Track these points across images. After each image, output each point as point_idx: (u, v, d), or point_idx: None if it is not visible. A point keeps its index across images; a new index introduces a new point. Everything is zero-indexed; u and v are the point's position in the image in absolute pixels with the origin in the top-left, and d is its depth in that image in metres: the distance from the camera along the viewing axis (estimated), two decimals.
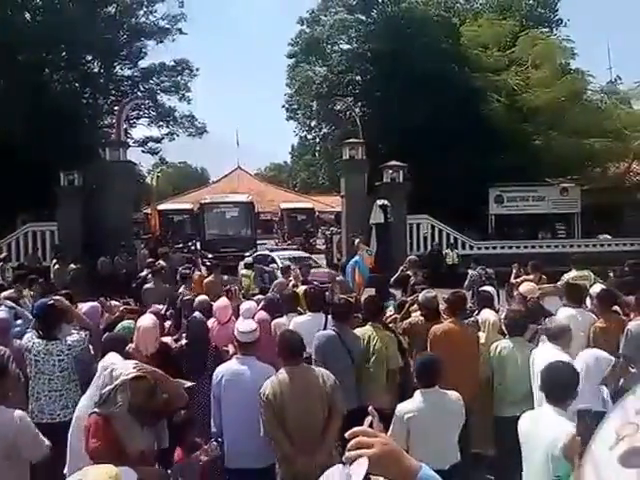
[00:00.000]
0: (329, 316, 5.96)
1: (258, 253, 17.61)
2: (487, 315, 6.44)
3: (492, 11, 26.53)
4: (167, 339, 4.84)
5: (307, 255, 17.35)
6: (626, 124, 20.85)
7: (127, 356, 4.11)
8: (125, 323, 5.57)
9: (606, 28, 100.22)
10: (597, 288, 6.78)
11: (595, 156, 21.09)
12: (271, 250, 18.70)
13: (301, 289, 7.46)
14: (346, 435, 1.34)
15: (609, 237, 20.64)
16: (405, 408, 4.24)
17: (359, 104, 26.34)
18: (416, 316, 6.24)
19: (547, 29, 26.68)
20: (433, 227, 20.08)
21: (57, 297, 5.55)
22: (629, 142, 20.73)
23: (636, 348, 5.36)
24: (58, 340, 4.80)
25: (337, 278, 10.44)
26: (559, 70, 22.19)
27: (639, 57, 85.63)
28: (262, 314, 6.05)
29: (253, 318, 5.55)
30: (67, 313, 5.02)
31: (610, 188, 21.38)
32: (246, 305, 6.42)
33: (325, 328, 5.72)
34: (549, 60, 21.80)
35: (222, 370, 4.58)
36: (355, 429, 1.35)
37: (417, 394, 4.26)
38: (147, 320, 4.90)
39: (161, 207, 29.59)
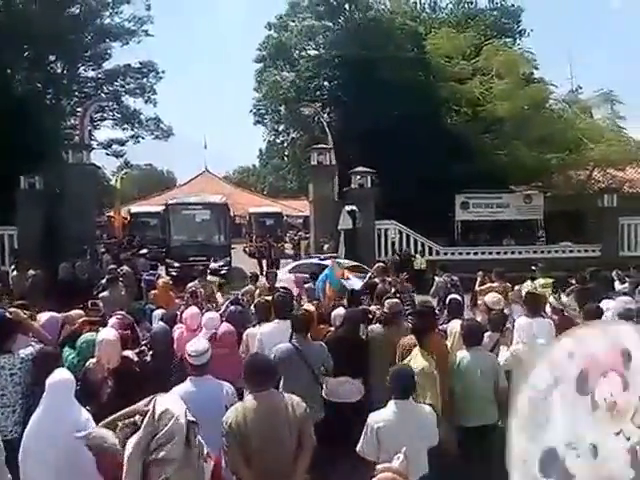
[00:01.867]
0: None
1: (302, 262, 16.02)
2: (453, 324, 6.48)
3: (457, 21, 26.92)
4: (128, 353, 4.70)
5: (358, 264, 15.26)
6: (586, 133, 21.39)
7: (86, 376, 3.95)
8: (88, 336, 5.36)
9: (567, 38, 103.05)
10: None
11: (557, 164, 21.57)
12: (321, 259, 15.95)
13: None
14: (379, 467, 1.43)
15: (570, 244, 21.11)
16: (376, 418, 4.22)
17: (327, 110, 26.41)
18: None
19: (511, 39, 27.27)
20: (400, 232, 20.22)
21: (12, 309, 5.36)
22: (589, 151, 21.24)
23: None
24: (10, 354, 4.62)
25: (305, 285, 10.33)
26: (522, 80, 22.64)
27: (599, 67, 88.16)
28: (226, 326, 5.91)
29: (217, 330, 5.44)
30: (22, 325, 4.84)
31: (572, 195, 21.90)
32: (209, 315, 6.29)
33: (292, 335, 5.67)
34: (512, 70, 22.20)
35: (178, 393, 4.29)
36: (388, 465, 1.44)
37: (390, 404, 4.25)
38: (109, 333, 4.77)
39: (133, 210, 28.82)
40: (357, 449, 4.20)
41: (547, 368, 0.97)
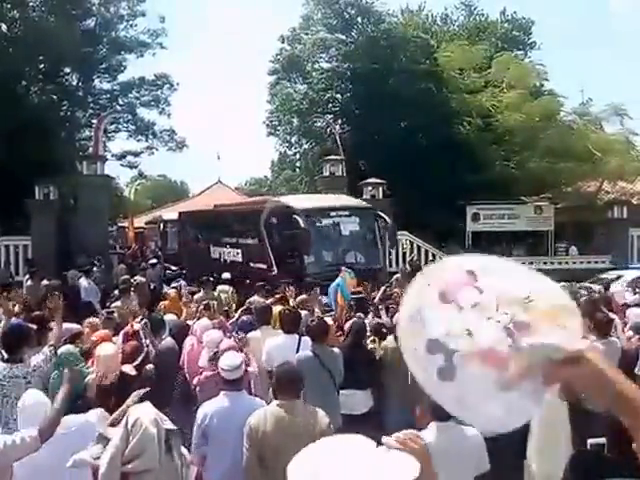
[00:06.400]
0: (303, 337, 5.97)
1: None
2: None
3: (468, 33, 27.07)
4: (127, 367, 4.73)
5: None
6: (597, 146, 21.37)
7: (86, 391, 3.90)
8: (66, 349, 5.20)
9: (577, 51, 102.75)
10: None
11: (567, 176, 21.58)
12: None
13: (276, 308, 7.41)
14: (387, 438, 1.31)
15: (575, 249, 21.16)
16: None
17: (339, 121, 26.58)
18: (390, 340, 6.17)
19: (521, 51, 27.39)
20: (411, 243, 20.23)
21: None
22: (600, 163, 21.21)
23: None
24: (23, 363, 4.76)
25: (317, 297, 10.36)
26: (533, 92, 22.71)
27: (609, 81, 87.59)
28: (228, 343, 5.77)
29: (217, 347, 5.39)
30: (32, 336, 4.96)
31: (583, 206, 21.85)
32: (210, 334, 5.92)
33: (298, 349, 5.71)
34: (523, 82, 22.29)
35: (209, 409, 4.28)
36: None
37: (432, 427, 3.79)
38: (107, 348, 4.79)
39: (165, 216, 27.44)
40: None
41: (411, 297, 1.14)
